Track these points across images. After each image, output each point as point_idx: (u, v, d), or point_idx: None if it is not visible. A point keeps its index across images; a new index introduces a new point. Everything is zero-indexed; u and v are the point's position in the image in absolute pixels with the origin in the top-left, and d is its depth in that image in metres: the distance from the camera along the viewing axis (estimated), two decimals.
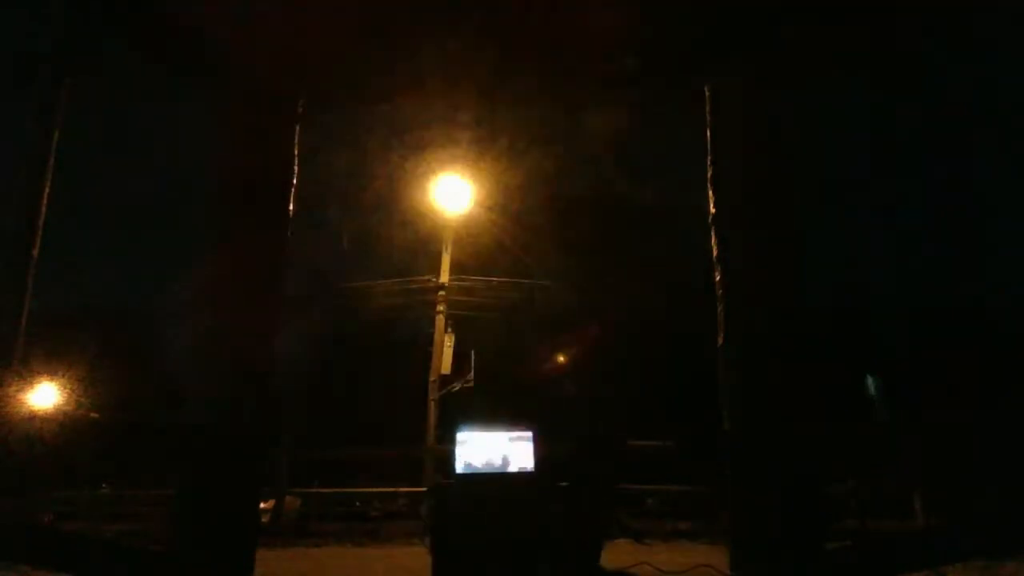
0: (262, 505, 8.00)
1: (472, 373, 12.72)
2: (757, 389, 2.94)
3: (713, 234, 3.26)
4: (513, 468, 2.93)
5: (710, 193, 3.30)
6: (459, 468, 2.93)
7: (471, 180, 12.82)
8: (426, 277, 13.16)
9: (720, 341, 3.23)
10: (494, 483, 2.90)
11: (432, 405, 12.21)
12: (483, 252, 13.96)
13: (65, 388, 16.10)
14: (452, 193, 12.80)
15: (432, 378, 12.41)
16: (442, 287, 12.83)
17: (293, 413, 16.13)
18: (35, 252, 3.31)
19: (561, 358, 19.40)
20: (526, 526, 2.81)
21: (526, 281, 13.90)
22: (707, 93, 3.49)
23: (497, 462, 2.94)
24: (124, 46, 3.83)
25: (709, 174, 3.33)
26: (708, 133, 3.42)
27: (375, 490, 14.88)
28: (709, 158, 3.37)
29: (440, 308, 12.70)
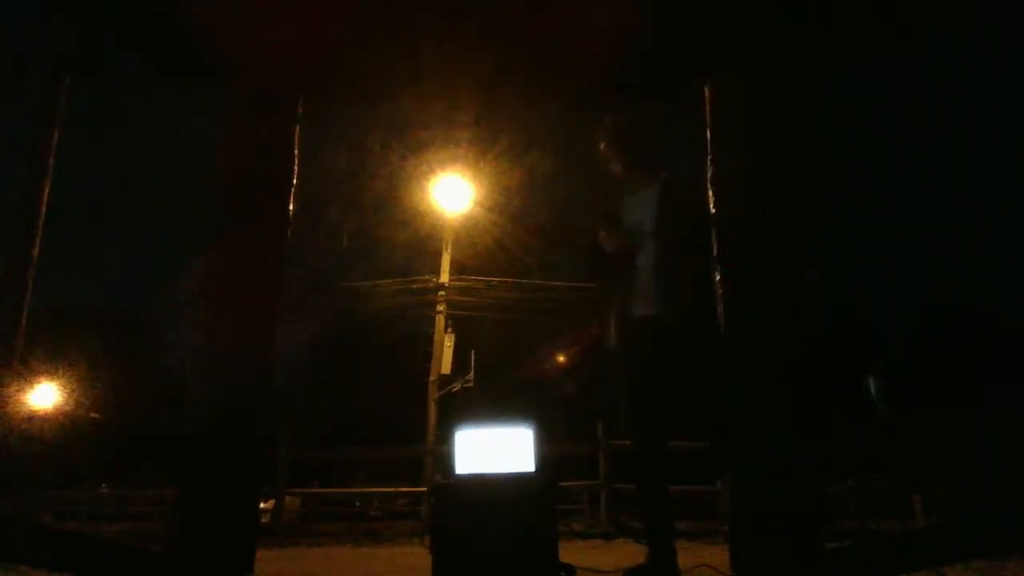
0: (262, 505, 8.02)
1: (472, 373, 12.74)
2: (757, 388, 2.94)
3: (713, 233, 3.25)
4: (513, 468, 2.93)
5: (710, 193, 3.29)
6: (459, 468, 2.93)
7: (471, 180, 12.84)
8: (426, 277, 13.18)
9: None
10: (494, 483, 2.89)
11: (432, 405, 12.22)
12: (483, 252, 13.98)
13: (65, 388, 16.12)
14: (452, 193, 12.82)
15: (432, 378, 12.42)
16: (442, 287, 12.85)
17: (293, 413, 16.14)
18: (35, 252, 3.31)
19: (561, 358, 19.43)
20: (526, 526, 2.81)
21: (525, 281, 13.92)
22: (707, 93, 3.49)
23: (497, 462, 2.94)
24: (124, 45, 3.82)
25: (709, 174, 3.33)
26: (708, 133, 3.42)
27: (375, 490, 14.94)
28: (709, 158, 3.37)
29: (440, 308, 12.72)
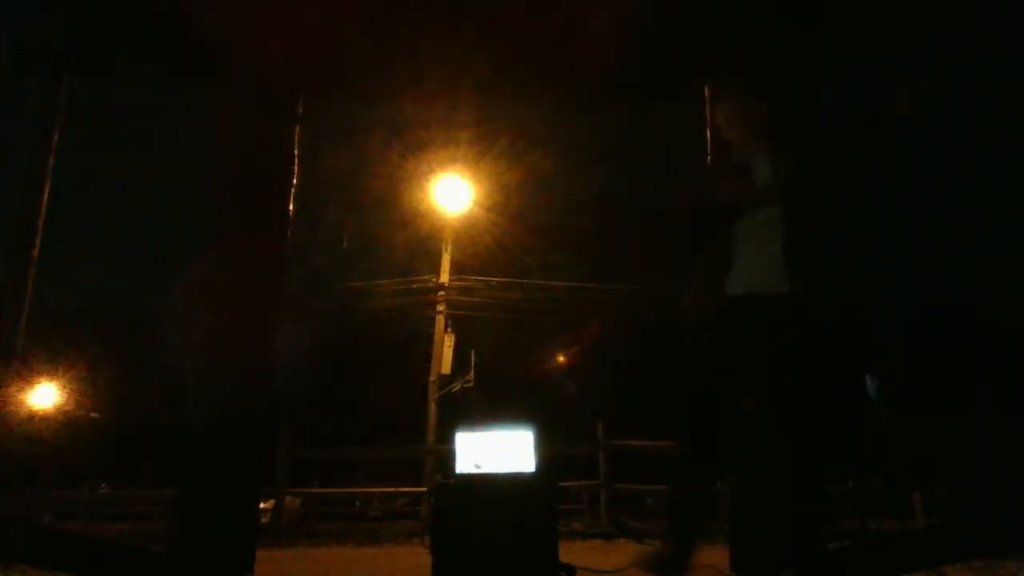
0: (262, 505, 8.01)
1: (472, 373, 12.74)
2: (756, 388, 2.94)
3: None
4: (513, 468, 2.93)
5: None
6: (459, 468, 2.93)
7: (471, 180, 12.85)
8: (426, 277, 13.18)
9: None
10: (494, 483, 2.90)
11: (432, 405, 12.22)
12: (483, 252, 13.99)
13: (65, 388, 16.13)
14: (452, 193, 12.83)
15: (432, 378, 12.42)
16: (442, 287, 12.84)
17: (293, 413, 16.14)
18: (35, 252, 3.31)
19: (561, 358, 19.45)
20: (527, 526, 2.81)
21: (525, 281, 13.93)
22: (707, 93, 3.49)
23: (497, 462, 2.94)
24: (124, 45, 3.82)
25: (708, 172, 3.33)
26: (708, 133, 3.43)
27: (375, 490, 14.93)
28: (709, 157, 3.37)
29: (440, 308, 12.72)
